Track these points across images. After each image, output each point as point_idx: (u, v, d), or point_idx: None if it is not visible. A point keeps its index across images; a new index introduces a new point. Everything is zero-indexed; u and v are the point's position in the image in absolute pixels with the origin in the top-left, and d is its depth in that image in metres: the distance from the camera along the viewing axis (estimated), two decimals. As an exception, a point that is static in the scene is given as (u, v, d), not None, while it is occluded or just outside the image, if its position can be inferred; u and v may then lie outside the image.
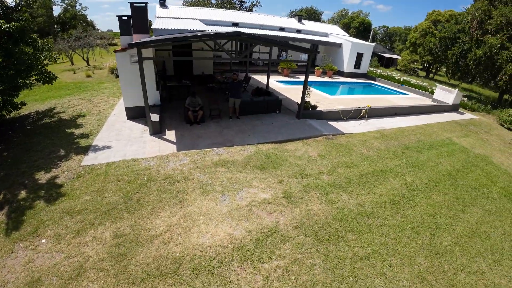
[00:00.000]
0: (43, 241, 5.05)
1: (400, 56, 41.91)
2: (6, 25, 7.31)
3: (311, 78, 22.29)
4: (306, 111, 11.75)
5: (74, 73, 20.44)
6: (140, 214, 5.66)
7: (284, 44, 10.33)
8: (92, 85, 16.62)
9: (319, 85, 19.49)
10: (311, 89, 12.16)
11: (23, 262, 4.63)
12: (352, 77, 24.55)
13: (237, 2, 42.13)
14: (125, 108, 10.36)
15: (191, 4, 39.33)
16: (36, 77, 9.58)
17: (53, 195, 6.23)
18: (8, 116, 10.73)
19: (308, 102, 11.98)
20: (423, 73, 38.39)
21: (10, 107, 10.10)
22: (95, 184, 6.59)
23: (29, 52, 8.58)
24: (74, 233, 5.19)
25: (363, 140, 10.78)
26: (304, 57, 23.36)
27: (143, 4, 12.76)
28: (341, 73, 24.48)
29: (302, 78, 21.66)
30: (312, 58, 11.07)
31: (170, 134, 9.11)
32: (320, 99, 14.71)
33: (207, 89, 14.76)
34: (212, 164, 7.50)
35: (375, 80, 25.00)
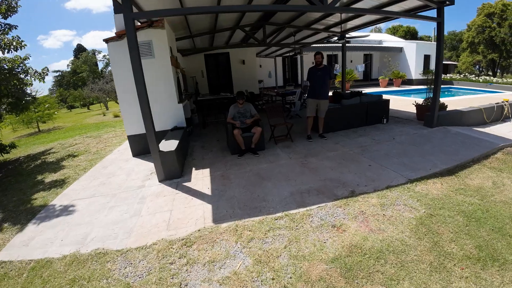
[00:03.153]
0: None
1: (454, 62, 34.70)
2: None
3: (375, 90, 16.70)
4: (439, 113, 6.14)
5: (104, 115, 17.47)
6: None
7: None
8: (113, 123, 12.97)
9: (397, 94, 13.80)
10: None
11: None
12: (422, 85, 18.38)
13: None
14: (128, 137, 5.70)
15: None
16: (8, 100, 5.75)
17: None
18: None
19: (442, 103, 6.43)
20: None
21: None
22: None
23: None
24: None
25: None
26: (361, 68, 18.04)
27: None
28: (409, 82, 18.46)
29: (366, 90, 16.12)
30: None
31: (200, 178, 3.97)
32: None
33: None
34: (335, 274, 2.04)
35: (452, 84, 18.50)
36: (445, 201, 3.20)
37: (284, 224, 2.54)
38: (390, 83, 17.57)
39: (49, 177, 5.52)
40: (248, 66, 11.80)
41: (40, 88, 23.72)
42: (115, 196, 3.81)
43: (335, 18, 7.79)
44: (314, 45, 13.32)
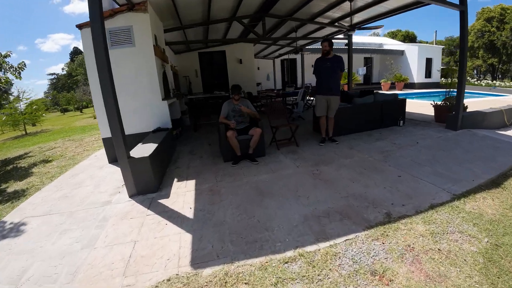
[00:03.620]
0: None
1: (453, 67, 34.13)
2: None
3: (378, 92, 16.04)
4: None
5: (94, 118, 16.55)
6: None
7: None
8: (102, 125, 12.05)
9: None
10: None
11: None
12: (424, 89, 17.68)
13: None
14: (103, 140, 4.83)
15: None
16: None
17: None
18: None
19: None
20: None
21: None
22: None
23: None
24: None
25: None
26: (362, 71, 17.36)
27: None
28: (411, 85, 17.79)
29: (369, 93, 15.45)
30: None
31: (182, 194, 3.07)
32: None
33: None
34: None
35: (454, 88, 17.79)
36: (505, 223, 2.40)
37: (299, 272, 1.65)
38: (392, 87, 16.88)
39: (13, 186, 4.71)
40: (245, 65, 10.99)
41: (28, 89, 22.58)
42: (72, 215, 2.91)
43: (340, 11, 7.05)
44: (315, 45, 12.61)
